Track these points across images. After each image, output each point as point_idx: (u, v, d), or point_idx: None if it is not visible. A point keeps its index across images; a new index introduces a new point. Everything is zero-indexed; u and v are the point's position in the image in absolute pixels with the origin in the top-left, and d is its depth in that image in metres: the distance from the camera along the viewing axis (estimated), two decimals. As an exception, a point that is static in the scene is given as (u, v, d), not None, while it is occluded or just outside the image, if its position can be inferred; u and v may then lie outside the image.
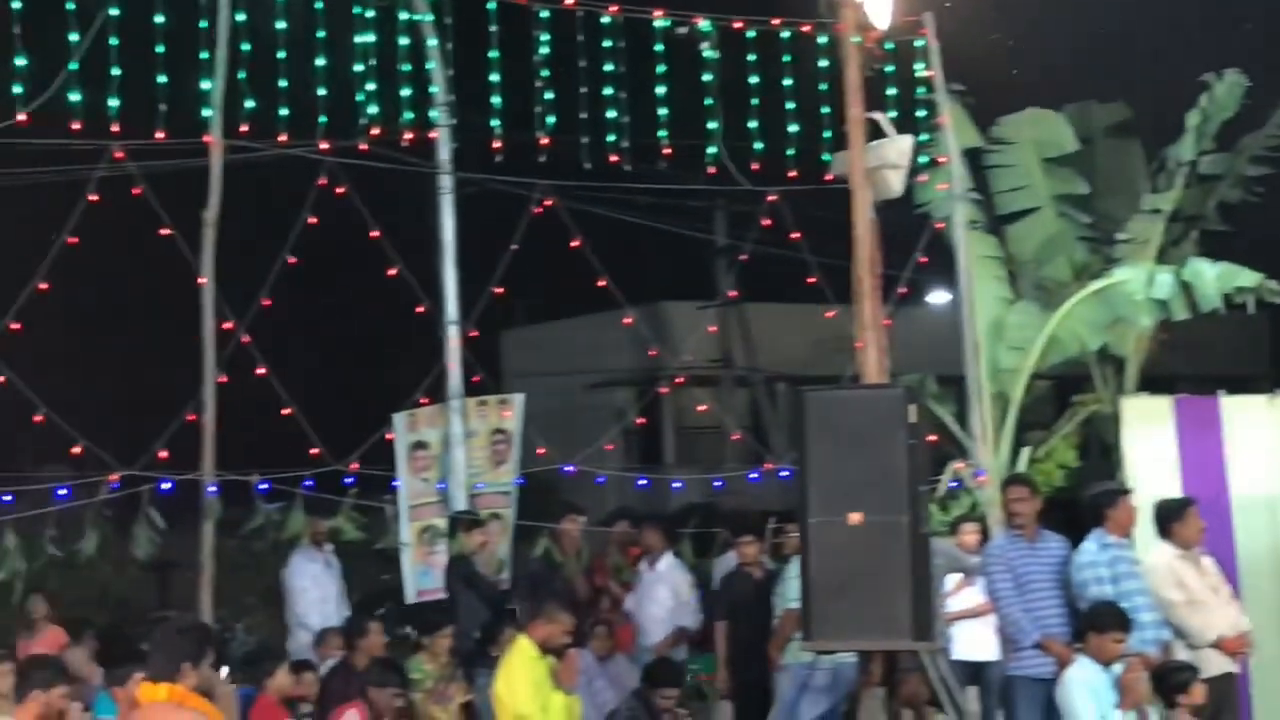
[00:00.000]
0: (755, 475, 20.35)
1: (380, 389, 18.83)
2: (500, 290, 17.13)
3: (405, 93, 15.10)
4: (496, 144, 15.39)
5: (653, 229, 20.92)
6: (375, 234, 16.30)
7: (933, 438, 13.33)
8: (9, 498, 15.36)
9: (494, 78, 15.22)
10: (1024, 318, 18.38)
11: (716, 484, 22.36)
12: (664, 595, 14.40)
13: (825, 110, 15.03)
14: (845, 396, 10.63)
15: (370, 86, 14.82)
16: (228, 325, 15.05)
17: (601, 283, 17.71)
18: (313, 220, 15.90)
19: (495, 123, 15.31)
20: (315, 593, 15.01)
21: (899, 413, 10.05)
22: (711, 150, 16.06)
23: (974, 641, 13.61)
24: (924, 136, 15.66)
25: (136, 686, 8.99)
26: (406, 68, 15.07)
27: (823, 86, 15.00)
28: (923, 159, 15.50)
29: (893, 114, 12.87)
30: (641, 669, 12.82)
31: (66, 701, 9.30)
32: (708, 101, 15.78)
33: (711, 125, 15.89)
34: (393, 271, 16.44)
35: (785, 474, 18.48)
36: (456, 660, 13.40)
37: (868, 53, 11.58)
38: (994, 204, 19.40)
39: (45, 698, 9.21)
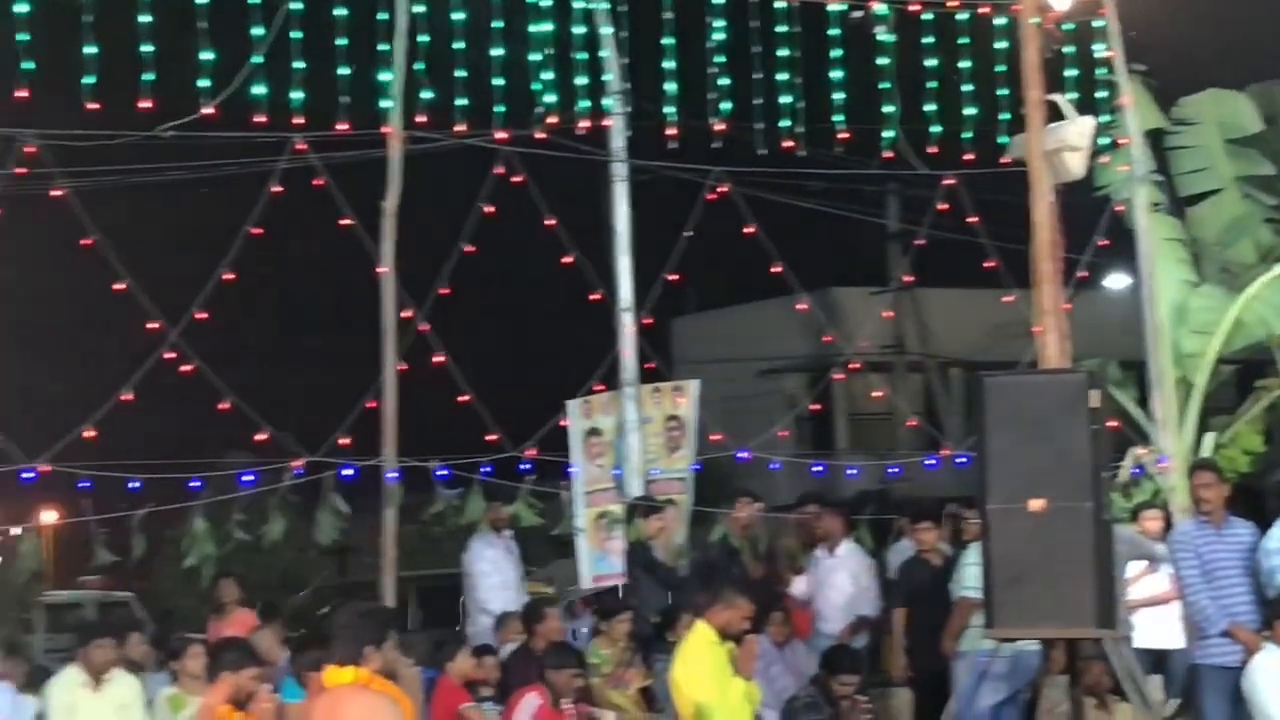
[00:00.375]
0: (932, 461, 20.18)
1: (555, 376, 18.94)
2: (675, 277, 17.17)
3: (580, 81, 15.16)
4: (671, 131, 15.42)
5: (825, 214, 20.80)
6: (551, 222, 16.41)
7: (1114, 424, 13.10)
8: (197, 484, 15.67)
9: (668, 64, 15.25)
10: (1208, 301, 18.06)
11: (892, 470, 22.22)
12: (843, 582, 14.33)
13: (1003, 93, 14.86)
14: (1026, 382, 10.53)
15: (546, 75, 14.90)
16: (407, 314, 15.22)
17: (776, 268, 17.65)
18: (490, 209, 16.06)
19: (669, 110, 15.34)
20: (495, 577, 15.12)
21: (1080, 398, 9.94)
22: (888, 134, 15.96)
23: (1157, 629, 13.41)
24: (1104, 118, 15.42)
25: (322, 670, 9.16)
26: (582, 56, 15.13)
27: (1001, 68, 14.84)
28: (1103, 141, 15.26)
29: (1072, 95, 12.71)
30: (820, 655, 12.76)
31: (256, 683, 9.52)
32: (884, 85, 15.67)
33: (888, 109, 15.78)
34: (568, 259, 16.54)
35: (962, 460, 18.33)
36: (634, 645, 13.47)
37: (1047, 34, 11.45)
38: (1176, 186, 19.05)
39: (235, 679, 9.44)
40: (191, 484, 15.65)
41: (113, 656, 12.40)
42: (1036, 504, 9.70)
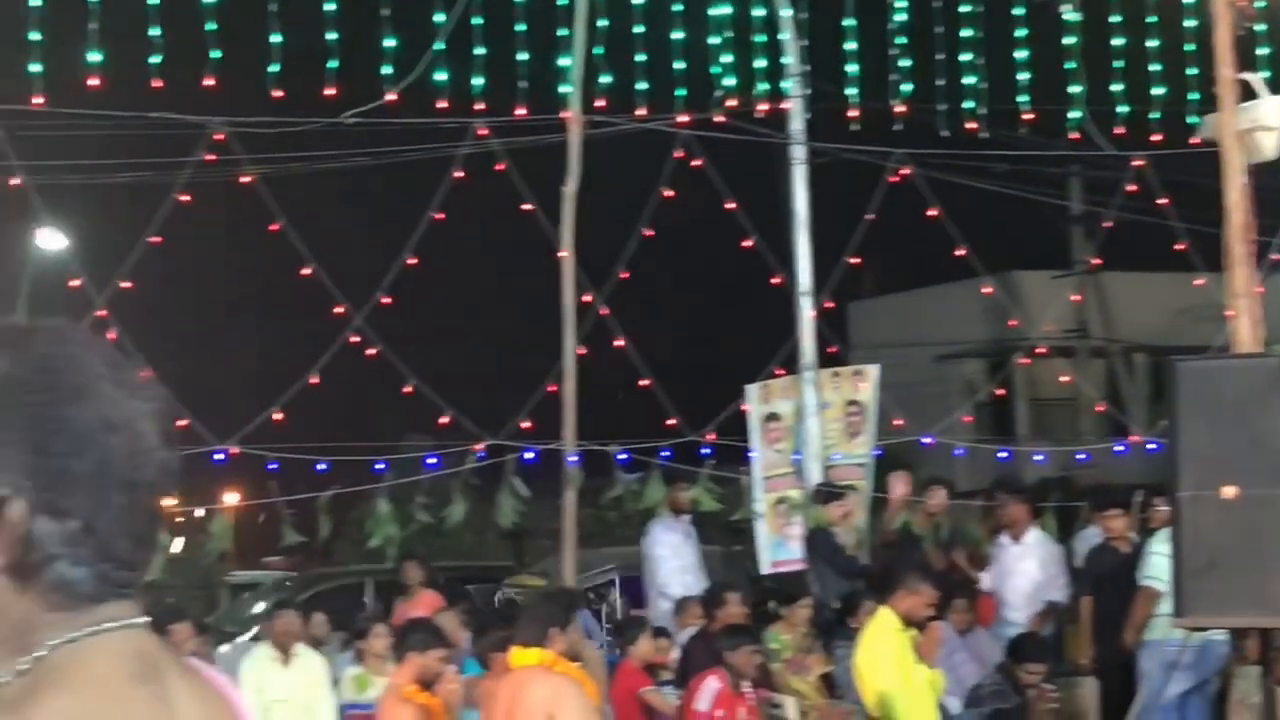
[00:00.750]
0: (1121, 448, 19.84)
1: (734, 360, 18.91)
2: (856, 260, 17.06)
3: (759, 64, 15.11)
4: (851, 113, 15.31)
5: (1005, 197, 20.54)
6: (730, 206, 16.37)
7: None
8: (381, 466, 15.86)
9: (849, 46, 15.14)
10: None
11: (1080, 457, 21.88)
12: (1030, 569, 14.11)
13: (1192, 72, 14.56)
14: (1219, 367, 10.30)
15: (725, 58, 14.86)
16: (586, 298, 15.27)
17: (958, 252, 17.45)
18: (669, 193, 16.06)
19: (850, 91, 15.24)
20: (675, 562, 15.10)
21: (1275, 383, 9.68)
22: (1074, 115, 15.70)
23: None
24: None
25: (508, 650, 9.23)
26: (761, 38, 15.07)
27: (1190, 47, 14.53)
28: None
29: (1265, 74, 12.38)
30: (1006, 643, 12.59)
31: (442, 664, 9.60)
32: (1069, 65, 15.42)
33: (1074, 89, 15.52)
34: (747, 243, 16.49)
35: (1152, 447, 17.99)
36: (815, 631, 13.41)
37: (1239, 11, 11.16)
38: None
39: (422, 660, 9.53)
40: (376, 467, 15.85)
41: (298, 628, 12.63)
42: (1229, 491, 9.47)
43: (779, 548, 16.21)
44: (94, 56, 13.63)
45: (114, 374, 1.97)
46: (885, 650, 10.51)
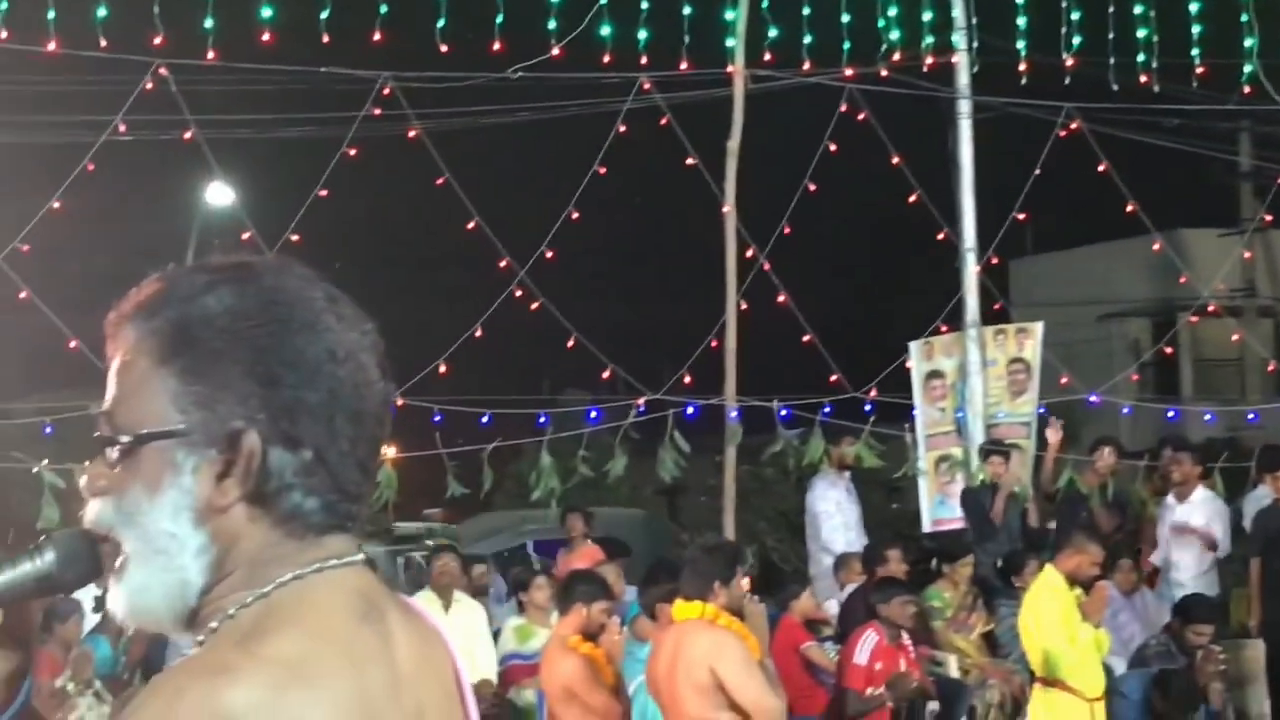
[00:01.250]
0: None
1: (898, 317, 18.78)
2: (1023, 216, 16.86)
3: (926, 17, 14.95)
4: (1020, 67, 15.11)
5: (1174, 152, 20.16)
6: (895, 161, 16.24)
7: None
8: (544, 419, 15.96)
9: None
10: None
11: (1249, 417, 21.45)
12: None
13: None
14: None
15: (891, 12, 14.72)
16: (750, 253, 15.24)
17: (1130, 208, 17.16)
18: (833, 147, 15.96)
19: (1019, 45, 15.04)
20: (838, 518, 15.07)
21: None
22: (1246, 69, 15.38)
23: None
24: None
25: (671, 603, 9.26)
26: (929, -10, 14.94)
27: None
28: None
29: None
30: (1173, 605, 12.43)
31: (606, 616, 9.64)
32: (1242, 18, 15.09)
33: (1246, 42, 15.20)
34: (912, 198, 16.36)
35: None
36: (977, 590, 13.32)
37: None
38: None
39: (587, 611, 9.57)
40: (539, 421, 15.95)
41: (456, 573, 12.77)
42: None
43: (940, 506, 16.12)
44: (266, 12, 13.83)
45: (334, 307, 2.00)
46: (1051, 609, 10.44)
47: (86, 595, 10.18)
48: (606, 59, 14.23)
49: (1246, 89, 15.92)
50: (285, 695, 1.78)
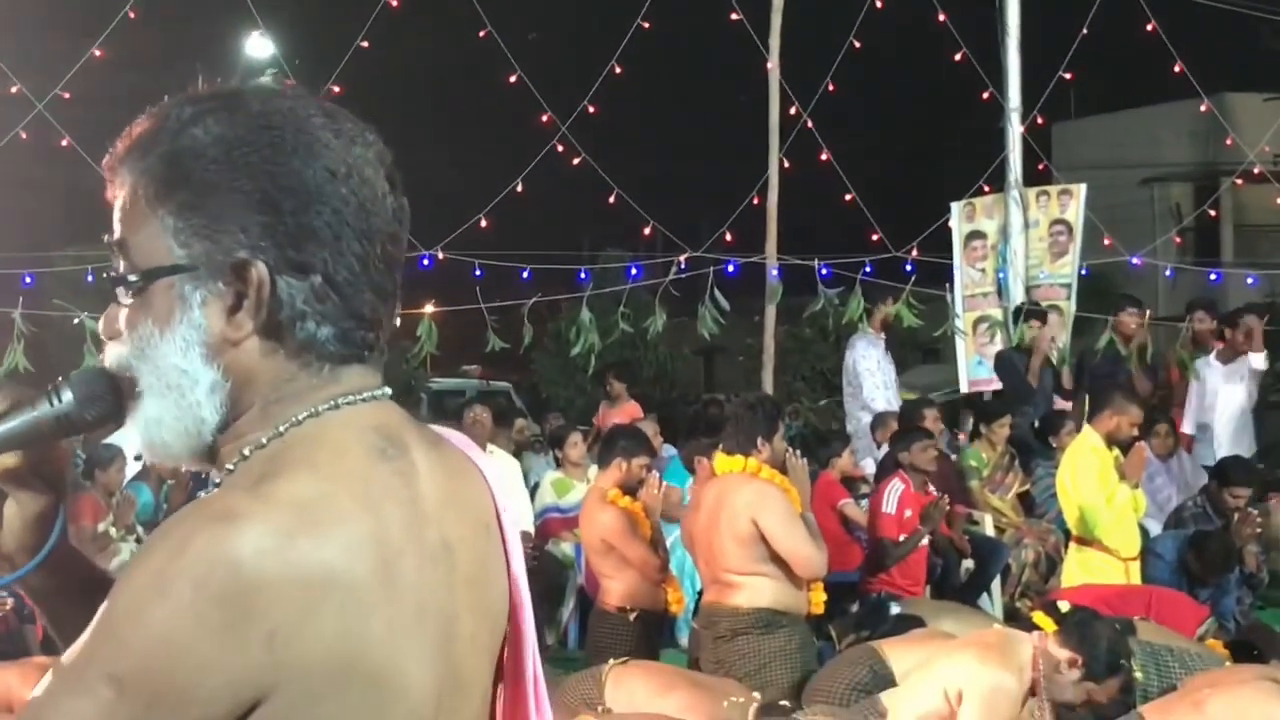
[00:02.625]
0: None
1: (941, 177, 18.65)
2: (1069, 76, 16.68)
3: None
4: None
5: (1220, 14, 19.85)
6: (941, 17, 16.06)
7: None
8: (584, 276, 15.96)
9: None
10: None
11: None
12: (1235, 392, 13.88)
13: None
14: None
15: None
16: (793, 110, 15.13)
17: (1177, 68, 16.93)
18: (879, 4, 15.79)
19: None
20: (879, 376, 15.09)
21: None
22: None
23: None
24: None
25: (712, 458, 9.32)
26: None
27: None
28: None
29: None
30: (1212, 467, 12.43)
31: (645, 472, 9.71)
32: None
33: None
34: (957, 57, 16.20)
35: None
36: (1013, 450, 13.36)
37: None
38: None
39: (627, 465, 9.64)
40: (579, 277, 15.95)
41: (488, 424, 12.90)
42: None
43: (978, 367, 16.12)
44: None
45: (332, 124, 1.94)
46: (1088, 468, 10.48)
47: (127, 443, 10.27)
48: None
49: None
50: (294, 540, 1.73)
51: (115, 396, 1.95)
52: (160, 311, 1.90)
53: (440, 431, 2.09)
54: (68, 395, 1.95)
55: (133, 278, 1.91)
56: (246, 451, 1.90)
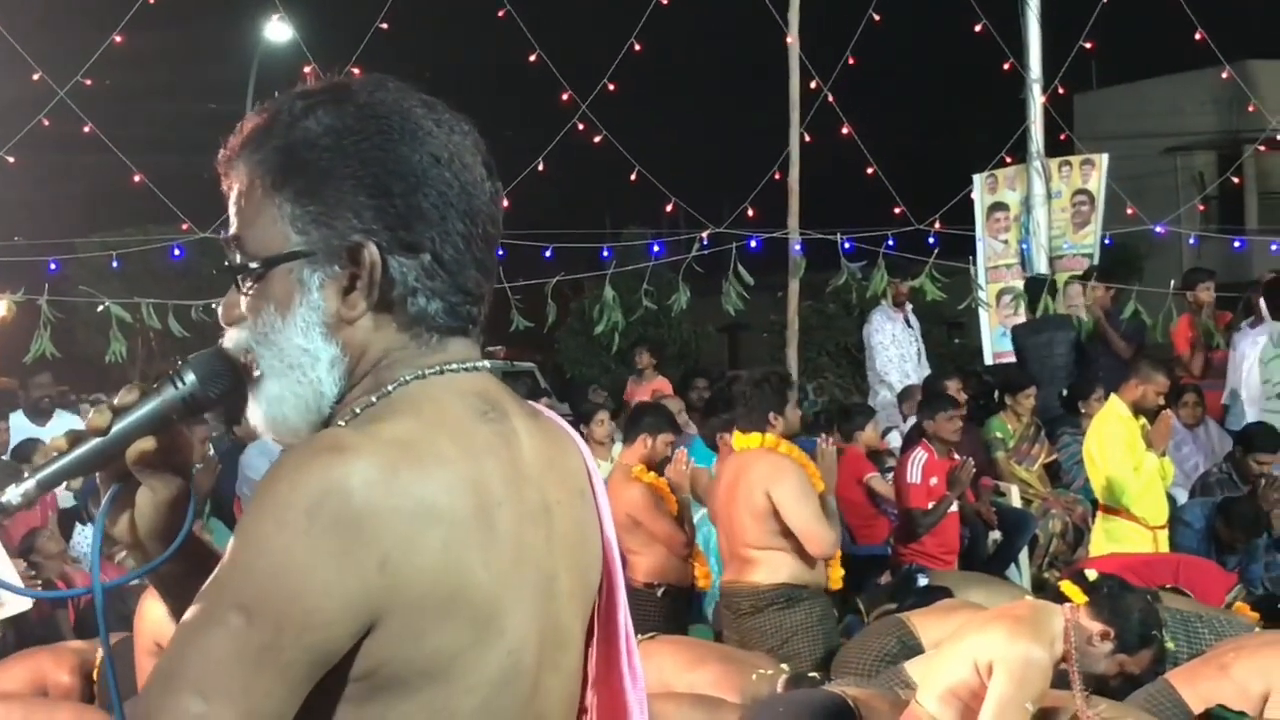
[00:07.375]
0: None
1: (962, 149, 18.61)
2: (1090, 45, 16.62)
3: None
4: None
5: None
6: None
7: None
8: (607, 254, 15.94)
9: None
10: None
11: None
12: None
13: None
14: None
15: None
16: (813, 84, 15.10)
17: (1199, 36, 16.85)
18: (899, -24, 15.77)
19: None
20: (894, 350, 15.10)
21: None
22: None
23: None
24: None
25: (732, 433, 9.34)
26: None
27: None
28: None
29: None
30: (1237, 433, 12.40)
31: (670, 449, 9.74)
32: None
33: None
34: (978, 28, 16.15)
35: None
36: (1039, 420, 13.34)
37: None
38: None
39: (652, 442, 9.67)
40: (603, 254, 15.93)
41: None
42: None
43: (1002, 339, 16.10)
44: None
45: (432, 113, 2.07)
46: (1115, 437, 10.48)
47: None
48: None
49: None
50: (398, 473, 1.83)
51: (234, 373, 2.07)
52: (280, 296, 2.02)
53: (536, 406, 2.20)
54: (190, 376, 2.06)
55: (254, 265, 2.02)
56: (357, 410, 2.01)
